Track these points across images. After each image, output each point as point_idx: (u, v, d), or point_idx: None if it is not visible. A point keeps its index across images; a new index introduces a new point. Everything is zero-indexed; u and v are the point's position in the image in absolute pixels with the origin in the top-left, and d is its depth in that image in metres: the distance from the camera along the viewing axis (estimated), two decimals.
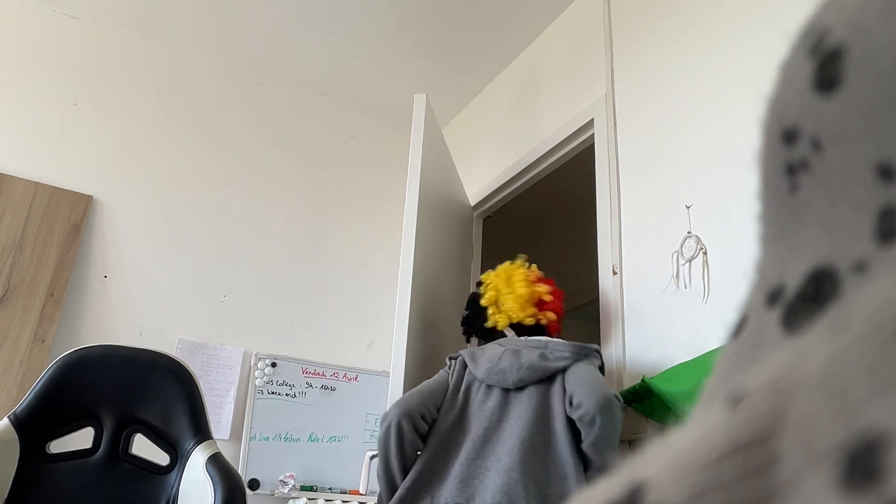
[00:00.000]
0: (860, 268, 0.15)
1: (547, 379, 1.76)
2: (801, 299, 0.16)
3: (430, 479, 1.69)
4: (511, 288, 1.99)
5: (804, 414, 0.12)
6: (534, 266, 2.08)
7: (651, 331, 1.94)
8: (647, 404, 1.79)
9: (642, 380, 1.79)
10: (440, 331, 2.44)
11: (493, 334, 2.02)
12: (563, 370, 1.76)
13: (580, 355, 1.78)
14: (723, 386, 0.17)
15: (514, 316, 1.96)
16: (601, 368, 1.82)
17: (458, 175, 2.82)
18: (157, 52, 3.11)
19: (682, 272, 1.87)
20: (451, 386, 1.85)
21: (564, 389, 1.73)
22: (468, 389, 1.83)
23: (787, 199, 0.18)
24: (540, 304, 1.98)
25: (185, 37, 3.10)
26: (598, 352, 1.84)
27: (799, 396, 0.12)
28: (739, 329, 0.18)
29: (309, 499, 2.67)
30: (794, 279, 0.17)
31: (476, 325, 2.06)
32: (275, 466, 2.74)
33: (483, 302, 2.03)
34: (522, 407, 1.72)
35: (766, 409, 0.12)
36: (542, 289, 1.99)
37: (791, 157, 0.18)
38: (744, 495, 0.12)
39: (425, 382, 1.87)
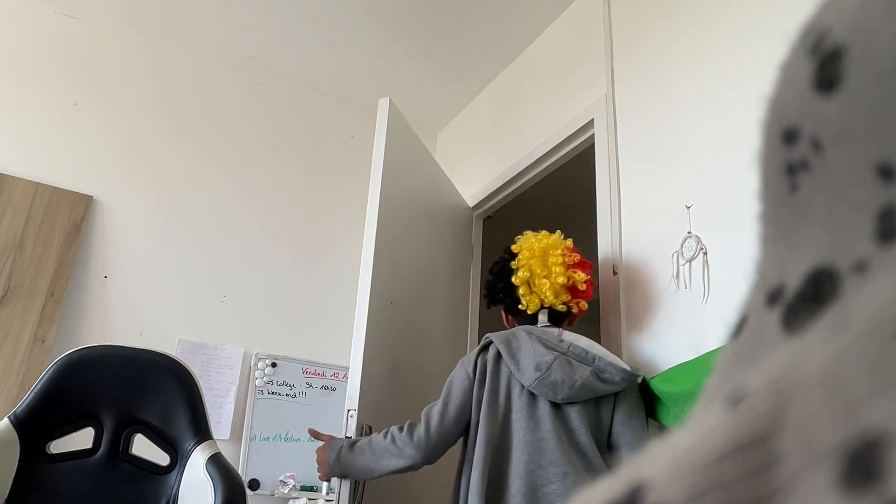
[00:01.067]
0: (860, 268, 0.15)
1: (596, 398, 1.70)
2: (801, 299, 0.16)
3: (493, 493, 1.61)
4: (547, 270, 1.87)
5: (804, 414, 0.12)
6: (569, 241, 1.94)
7: (651, 331, 1.94)
8: (647, 404, 1.79)
9: (642, 380, 1.79)
10: (423, 330, 2.44)
11: (519, 309, 1.91)
12: (615, 394, 1.72)
13: (631, 382, 1.73)
14: (723, 386, 0.17)
15: (546, 302, 1.85)
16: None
17: (446, 176, 2.83)
18: (157, 52, 3.11)
19: (682, 272, 1.87)
20: (488, 384, 1.74)
21: (612, 414, 1.70)
22: (509, 391, 1.73)
23: (788, 199, 0.18)
24: (574, 292, 1.88)
25: (185, 37, 3.10)
26: (638, 375, 1.78)
27: (799, 396, 0.12)
28: (739, 329, 0.18)
29: (309, 499, 2.67)
30: (794, 279, 0.17)
31: (503, 299, 1.93)
32: (275, 466, 2.74)
33: (516, 281, 1.89)
34: (577, 421, 1.66)
35: (767, 409, 0.12)
36: (580, 277, 1.87)
37: (791, 157, 0.18)
38: (744, 495, 0.12)
39: (452, 395, 1.79)
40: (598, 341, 2.08)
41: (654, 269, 1.98)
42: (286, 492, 2.69)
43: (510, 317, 1.96)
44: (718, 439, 0.13)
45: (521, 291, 1.88)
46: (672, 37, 2.16)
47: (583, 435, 1.64)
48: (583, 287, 1.87)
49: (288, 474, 2.73)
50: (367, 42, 3.07)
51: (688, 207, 1.91)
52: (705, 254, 1.81)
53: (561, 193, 3.72)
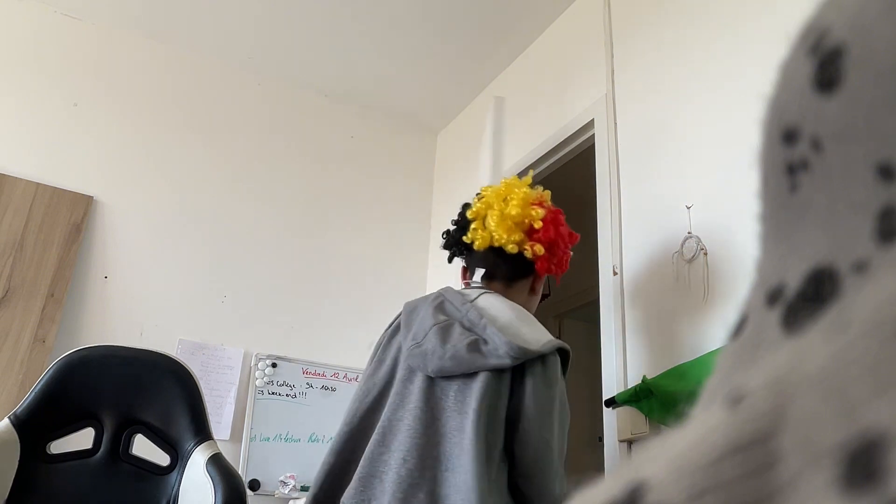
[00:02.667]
0: (860, 268, 0.15)
1: (498, 374, 1.40)
2: (802, 299, 0.16)
3: (342, 476, 1.44)
4: (503, 205, 1.66)
5: (804, 414, 0.12)
6: (546, 192, 1.76)
7: (651, 331, 1.94)
8: (648, 404, 1.79)
9: (643, 380, 1.79)
10: None
11: (473, 256, 1.70)
12: (501, 371, 1.41)
13: (521, 358, 1.39)
14: (723, 386, 0.17)
15: (496, 237, 1.62)
16: (564, 367, 1.49)
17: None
18: (158, 53, 3.11)
19: (682, 273, 1.87)
20: (375, 358, 1.56)
21: (511, 394, 1.40)
22: (395, 365, 1.52)
23: (787, 198, 0.18)
24: (530, 233, 1.63)
25: (185, 37, 3.10)
26: (560, 350, 1.48)
27: (799, 396, 0.12)
28: (739, 329, 0.18)
29: None
30: (794, 279, 0.17)
31: (461, 251, 1.72)
32: (275, 467, 2.74)
33: (469, 214, 1.70)
34: (452, 400, 1.40)
35: (767, 408, 0.12)
36: (536, 213, 1.63)
37: (791, 156, 0.18)
38: (744, 495, 0.12)
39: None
40: (599, 342, 2.08)
41: (655, 270, 1.98)
42: (286, 492, 2.69)
43: (467, 275, 1.75)
44: (718, 439, 0.13)
45: (473, 225, 1.67)
46: (672, 37, 2.16)
47: (457, 417, 1.38)
48: (538, 225, 1.63)
49: (288, 474, 2.73)
50: (368, 42, 3.07)
51: (688, 208, 1.91)
52: (705, 254, 1.81)
53: (561, 194, 3.72)
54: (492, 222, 1.64)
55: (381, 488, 1.36)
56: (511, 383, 1.42)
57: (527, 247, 1.62)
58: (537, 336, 1.47)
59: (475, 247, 1.65)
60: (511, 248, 1.62)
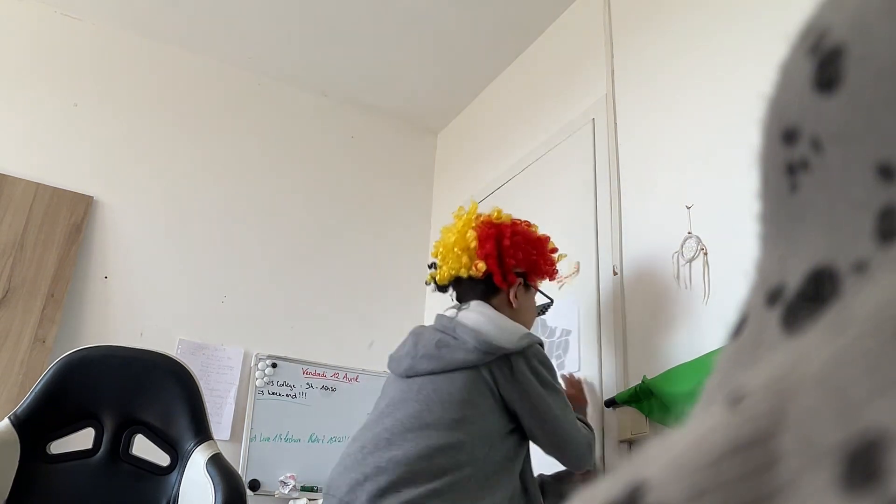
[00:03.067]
0: (860, 268, 0.15)
1: (450, 372, 1.48)
2: (802, 299, 0.16)
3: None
4: (448, 237, 1.75)
5: (804, 413, 0.12)
6: (497, 210, 1.79)
7: (651, 331, 1.94)
8: (648, 405, 1.79)
9: (643, 380, 1.79)
10: None
11: (449, 289, 1.78)
12: (477, 368, 1.48)
13: (492, 352, 1.47)
14: (723, 386, 0.17)
15: (448, 268, 1.70)
16: (539, 362, 1.56)
17: None
18: (158, 53, 3.11)
19: (682, 273, 1.87)
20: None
21: (498, 391, 1.49)
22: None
23: (787, 198, 0.18)
24: (473, 254, 1.69)
25: (185, 37, 3.10)
26: (534, 345, 1.55)
27: (799, 396, 0.12)
28: (739, 329, 0.18)
29: (310, 500, 2.67)
30: (794, 279, 0.17)
31: (434, 279, 1.81)
32: (275, 467, 2.74)
33: (432, 255, 1.81)
34: (423, 396, 1.47)
35: (766, 408, 0.12)
36: (470, 234, 1.70)
37: (791, 156, 0.18)
38: (744, 495, 0.12)
39: None
40: (599, 342, 2.08)
41: (655, 270, 1.98)
42: (287, 492, 2.69)
43: None
44: (718, 439, 0.13)
45: (438, 263, 1.77)
46: (672, 37, 2.16)
47: (432, 412, 1.44)
48: (473, 244, 1.69)
49: (288, 475, 2.73)
50: (368, 42, 3.07)
51: (688, 208, 1.91)
52: (706, 254, 1.81)
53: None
54: (440, 256, 1.76)
55: (344, 475, 1.46)
56: (494, 382, 1.50)
57: (471, 267, 1.69)
58: (508, 335, 1.54)
59: (438, 281, 1.77)
60: (463, 273, 1.71)
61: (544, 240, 1.83)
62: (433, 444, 1.40)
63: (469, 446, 1.42)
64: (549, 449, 1.58)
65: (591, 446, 1.64)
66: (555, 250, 1.88)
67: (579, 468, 1.65)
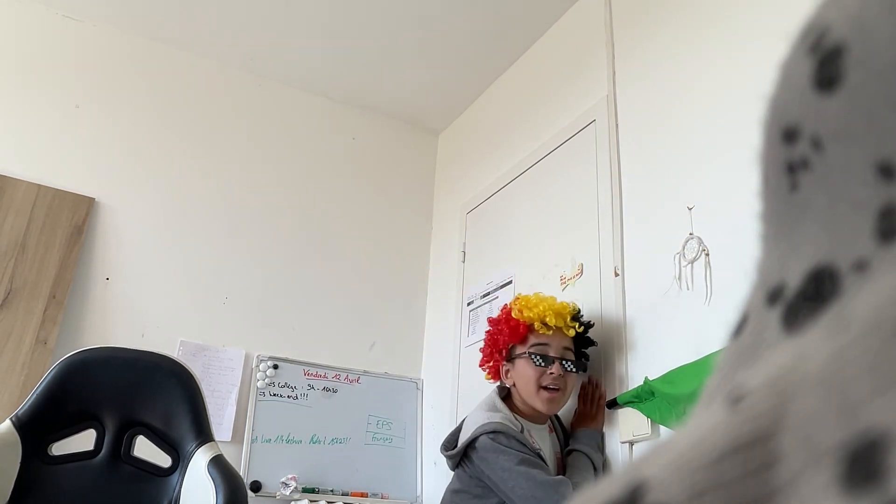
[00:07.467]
0: (860, 267, 0.15)
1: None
2: (802, 298, 0.16)
3: None
4: None
5: (805, 413, 0.12)
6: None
7: (653, 332, 1.94)
8: (649, 405, 1.79)
9: (645, 381, 1.79)
10: None
11: None
12: (458, 457, 1.87)
13: (446, 449, 1.90)
14: (723, 385, 0.17)
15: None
16: (484, 451, 1.82)
17: None
18: (158, 54, 3.12)
19: (684, 274, 1.87)
20: None
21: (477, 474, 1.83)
22: None
23: (788, 198, 0.18)
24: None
25: (186, 38, 3.11)
26: (479, 437, 1.82)
27: (799, 396, 0.12)
28: (740, 328, 0.18)
29: (311, 501, 2.67)
30: (794, 278, 0.17)
31: None
32: (277, 468, 2.74)
33: None
34: (452, 481, 1.91)
35: (767, 408, 0.12)
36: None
37: (791, 155, 0.17)
38: (744, 495, 0.12)
39: None
40: (600, 343, 2.08)
41: (656, 271, 1.98)
42: (288, 493, 2.69)
43: None
44: (719, 439, 0.13)
45: None
46: (673, 38, 2.16)
47: (448, 492, 1.90)
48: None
49: (290, 476, 2.73)
50: (368, 43, 3.07)
51: (689, 209, 1.90)
52: (707, 255, 1.81)
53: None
54: None
55: None
56: (469, 466, 1.84)
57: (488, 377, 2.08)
58: (468, 427, 1.86)
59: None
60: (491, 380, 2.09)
61: (503, 313, 2.04)
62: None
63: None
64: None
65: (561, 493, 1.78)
66: (510, 311, 2.01)
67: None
